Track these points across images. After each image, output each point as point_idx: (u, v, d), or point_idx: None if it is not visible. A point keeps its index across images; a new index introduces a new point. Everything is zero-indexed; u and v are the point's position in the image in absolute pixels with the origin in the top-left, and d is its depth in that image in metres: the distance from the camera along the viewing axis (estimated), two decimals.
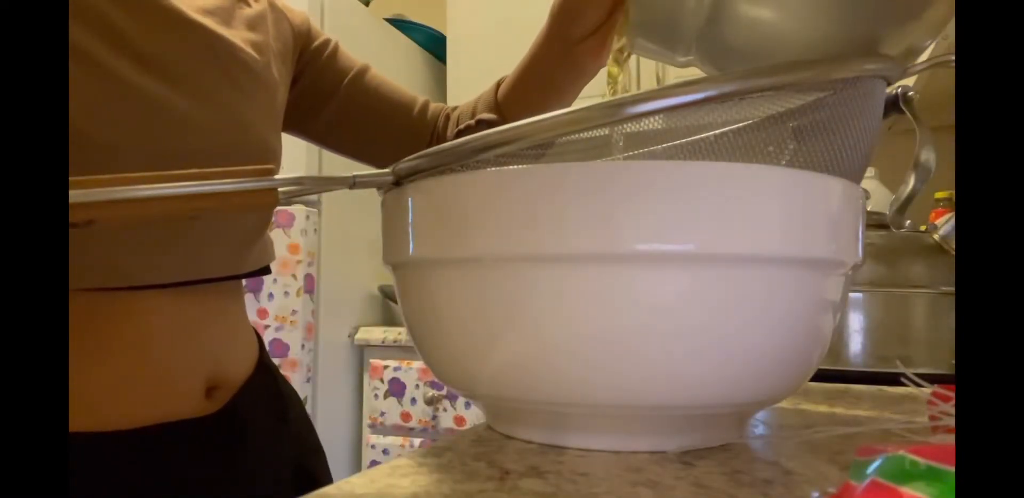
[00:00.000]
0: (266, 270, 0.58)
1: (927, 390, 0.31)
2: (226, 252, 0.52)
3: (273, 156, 0.56)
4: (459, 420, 1.60)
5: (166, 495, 0.47)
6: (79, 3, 0.43)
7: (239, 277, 0.54)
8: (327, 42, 0.67)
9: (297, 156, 1.49)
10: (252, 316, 1.51)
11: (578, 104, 0.31)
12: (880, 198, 1.20)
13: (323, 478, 0.62)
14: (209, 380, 0.51)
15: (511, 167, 0.30)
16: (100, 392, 0.45)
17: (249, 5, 0.57)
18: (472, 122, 0.65)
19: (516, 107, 0.64)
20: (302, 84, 0.65)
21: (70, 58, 0.42)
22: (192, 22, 0.49)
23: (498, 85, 0.66)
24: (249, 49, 0.53)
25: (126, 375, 0.46)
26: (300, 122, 0.67)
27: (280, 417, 0.58)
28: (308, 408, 0.67)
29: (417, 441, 1.65)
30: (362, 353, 1.73)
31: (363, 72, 0.68)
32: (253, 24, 0.56)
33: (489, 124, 0.63)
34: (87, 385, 0.45)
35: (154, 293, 0.47)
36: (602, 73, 0.55)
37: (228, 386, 0.53)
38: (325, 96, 0.67)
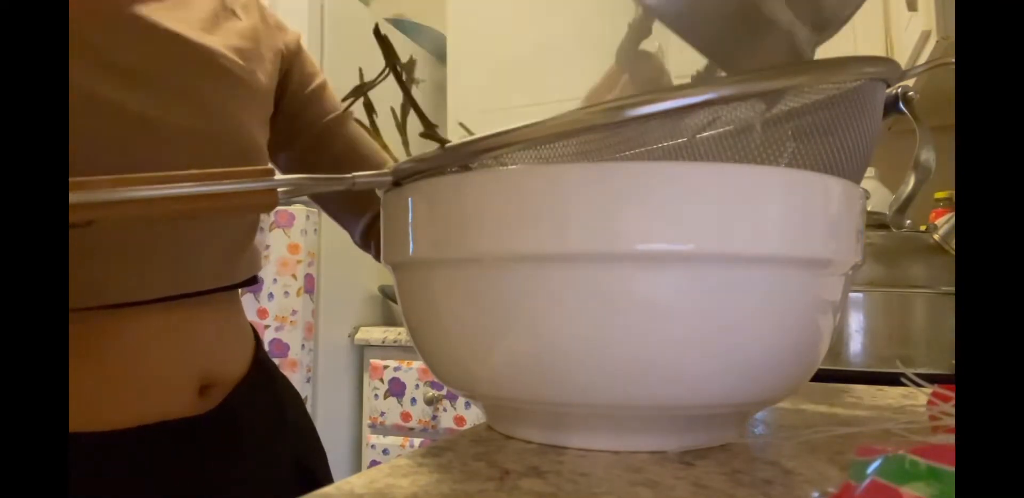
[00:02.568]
0: (254, 280, 0.58)
1: (927, 390, 0.31)
2: (213, 264, 0.52)
3: (262, 157, 0.56)
4: (459, 420, 1.60)
5: (160, 494, 0.47)
6: None
7: (227, 288, 0.54)
8: (315, 75, 0.66)
9: None
10: (252, 316, 1.51)
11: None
12: (880, 198, 1.20)
13: (324, 478, 0.62)
14: (202, 378, 0.51)
15: (511, 167, 0.30)
16: (91, 392, 0.45)
17: (239, 17, 0.57)
18: None
19: None
20: (282, 108, 0.63)
21: None
22: (169, 32, 0.49)
23: None
24: (232, 55, 0.53)
25: (117, 375, 0.46)
26: (271, 151, 0.65)
27: (278, 416, 0.58)
28: (308, 408, 0.68)
29: (417, 441, 1.65)
30: (362, 353, 1.73)
31: (345, 118, 0.66)
32: (240, 34, 0.56)
33: None
34: (77, 385, 0.45)
35: (145, 306, 0.47)
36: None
37: (222, 385, 0.53)
38: (301, 128, 0.64)
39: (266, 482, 0.54)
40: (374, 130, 0.38)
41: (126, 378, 0.47)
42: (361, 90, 0.37)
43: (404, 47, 1.97)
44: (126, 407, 0.46)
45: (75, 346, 0.45)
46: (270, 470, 0.55)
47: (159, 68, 0.48)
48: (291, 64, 0.63)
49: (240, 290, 0.58)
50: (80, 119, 0.44)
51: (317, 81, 0.66)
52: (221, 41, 0.53)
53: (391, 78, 0.35)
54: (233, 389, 0.54)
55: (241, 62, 0.54)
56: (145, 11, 0.48)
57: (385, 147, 0.39)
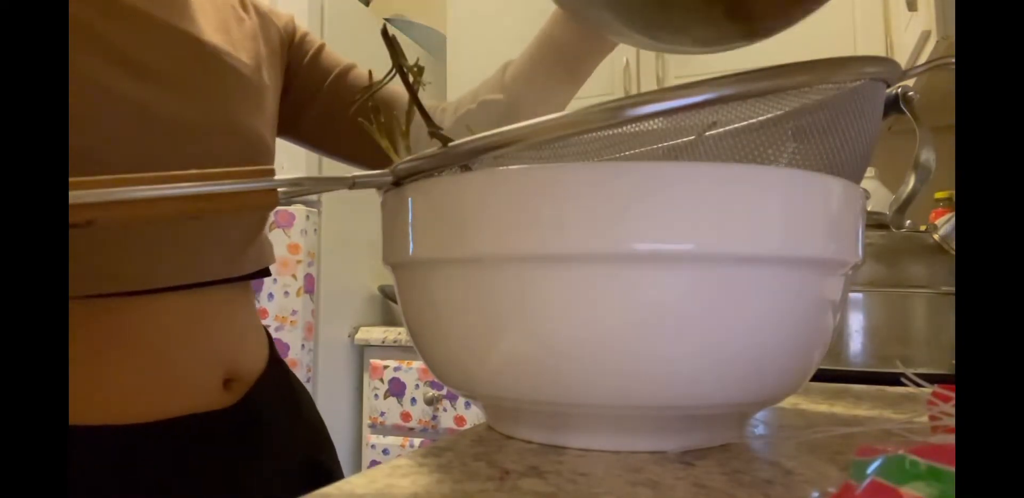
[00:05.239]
0: (265, 272, 0.58)
1: (927, 390, 0.31)
2: (222, 255, 0.53)
3: (268, 155, 0.56)
4: (459, 420, 1.60)
5: (185, 486, 0.47)
6: None
7: (238, 279, 0.55)
8: (312, 41, 0.66)
9: (297, 157, 1.49)
10: None
11: (578, 105, 0.31)
12: (880, 198, 1.20)
13: (336, 472, 0.63)
14: (226, 372, 0.52)
15: (511, 167, 0.30)
16: (119, 387, 0.46)
17: (243, 18, 0.58)
18: (473, 106, 0.62)
19: (524, 87, 0.60)
20: (289, 83, 0.64)
21: None
22: (182, 31, 0.50)
23: (505, 68, 0.63)
24: (239, 55, 0.54)
25: (143, 370, 0.47)
26: (291, 125, 0.65)
27: (293, 411, 0.60)
28: None
29: (417, 441, 1.65)
30: (362, 353, 1.73)
31: (347, 70, 0.66)
32: (245, 34, 0.57)
33: (493, 104, 0.61)
34: (105, 380, 0.45)
35: (159, 295, 0.48)
36: (609, 68, 0.54)
37: (244, 379, 0.54)
38: (310, 94, 0.65)
39: (283, 476, 0.54)
40: (379, 132, 0.38)
41: (154, 370, 0.47)
42: (369, 90, 0.38)
43: (404, 47, 1.97)
44: (154, 400, 0.47)
45: (103, 337, 0.45)
46: (287, 464, 0.56)
47: (173, 65, 0.49)
48: (289, 41, 0.64)
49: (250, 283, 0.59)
50: (97, 114, 0.44)
51: (315, 45, 0.66)
52: (229, 41, 0.54)
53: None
54: (254, 384, 0.55)
55: (247, 62, 0.55)
56: (159, 11, 0.49)
57: (388, 149, 0.39)
